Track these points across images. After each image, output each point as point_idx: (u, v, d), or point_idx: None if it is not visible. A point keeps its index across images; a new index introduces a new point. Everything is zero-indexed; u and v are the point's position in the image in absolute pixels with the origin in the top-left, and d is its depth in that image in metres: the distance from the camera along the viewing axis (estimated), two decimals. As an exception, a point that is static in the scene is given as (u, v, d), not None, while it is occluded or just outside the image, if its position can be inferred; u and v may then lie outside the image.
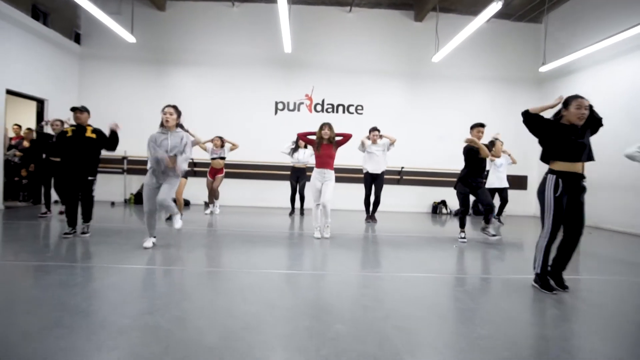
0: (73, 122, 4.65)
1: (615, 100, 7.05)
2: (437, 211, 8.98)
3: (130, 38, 7.50)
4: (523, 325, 2.43)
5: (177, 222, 4.20)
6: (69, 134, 4.53)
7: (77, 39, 8.77)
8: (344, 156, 6.59)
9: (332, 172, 5.13)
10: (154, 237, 4.23)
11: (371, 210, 6.93)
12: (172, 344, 1.91)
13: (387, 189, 7.12)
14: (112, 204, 8.32)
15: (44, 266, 3.27)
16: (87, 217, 4.65)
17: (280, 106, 9.19)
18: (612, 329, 2.44)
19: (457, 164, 8.99)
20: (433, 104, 9.31)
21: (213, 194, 7.15)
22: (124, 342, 1.92)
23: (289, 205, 7.52)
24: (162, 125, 4.04)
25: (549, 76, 8.95)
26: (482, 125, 5.15)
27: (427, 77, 9.25)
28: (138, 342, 1.93)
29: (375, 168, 6.67)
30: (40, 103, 7.79)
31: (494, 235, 5.31)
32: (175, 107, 4.12)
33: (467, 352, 1.97)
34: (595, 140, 3.08)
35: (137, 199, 8.40)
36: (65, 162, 4.58)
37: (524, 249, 5.29)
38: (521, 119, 3.12)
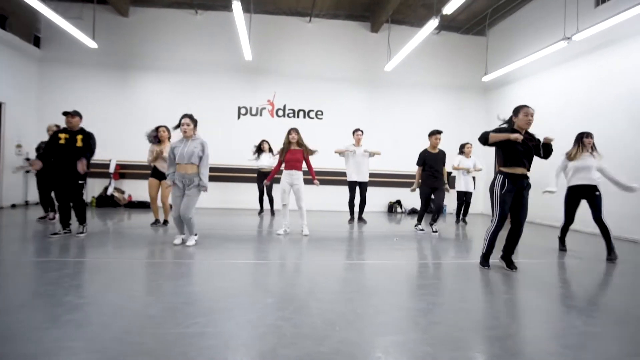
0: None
1: (548, 105, 7.81)
2: (392, 210, 9.52)
3: (91, 43, 7.63)
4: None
5: (191, 240, 4.39)
6: (62, 141, 4.54)
7: (36, 42, 8.77)
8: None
9: (301, 173, 5.42)
10: (183, 234, 4.52)
11: (358, 212, 7.13)
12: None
13: (347, 189, 7.50)
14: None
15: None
16: (82, 219, 4.79)
17: (243, 111, 9.50)
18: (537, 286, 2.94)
19: (410, 166, 9.64)
20: (388, 110, 9.89)
21: None
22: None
23: (258, 205, 8.02)
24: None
25: (491, 85, 9.74)
26: (439, 132, 5.90)
27: (382, 85, 9.84)
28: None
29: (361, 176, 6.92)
30: (-3, 106, 7.76)
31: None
32: (191, 117, 4.37)
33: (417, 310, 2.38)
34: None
35: (99, 202, 8.45)
36: (58, 167, 4.60)
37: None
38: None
